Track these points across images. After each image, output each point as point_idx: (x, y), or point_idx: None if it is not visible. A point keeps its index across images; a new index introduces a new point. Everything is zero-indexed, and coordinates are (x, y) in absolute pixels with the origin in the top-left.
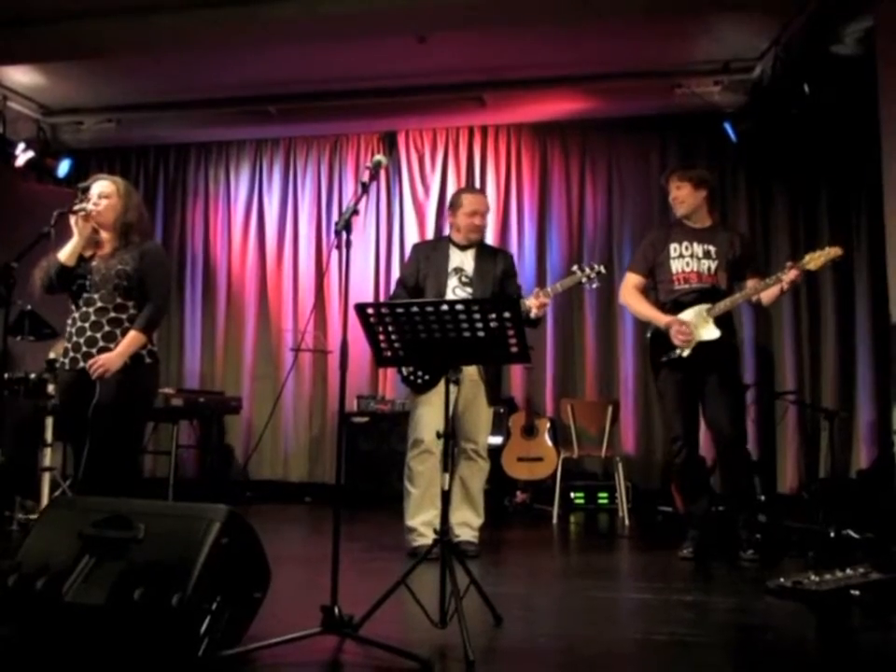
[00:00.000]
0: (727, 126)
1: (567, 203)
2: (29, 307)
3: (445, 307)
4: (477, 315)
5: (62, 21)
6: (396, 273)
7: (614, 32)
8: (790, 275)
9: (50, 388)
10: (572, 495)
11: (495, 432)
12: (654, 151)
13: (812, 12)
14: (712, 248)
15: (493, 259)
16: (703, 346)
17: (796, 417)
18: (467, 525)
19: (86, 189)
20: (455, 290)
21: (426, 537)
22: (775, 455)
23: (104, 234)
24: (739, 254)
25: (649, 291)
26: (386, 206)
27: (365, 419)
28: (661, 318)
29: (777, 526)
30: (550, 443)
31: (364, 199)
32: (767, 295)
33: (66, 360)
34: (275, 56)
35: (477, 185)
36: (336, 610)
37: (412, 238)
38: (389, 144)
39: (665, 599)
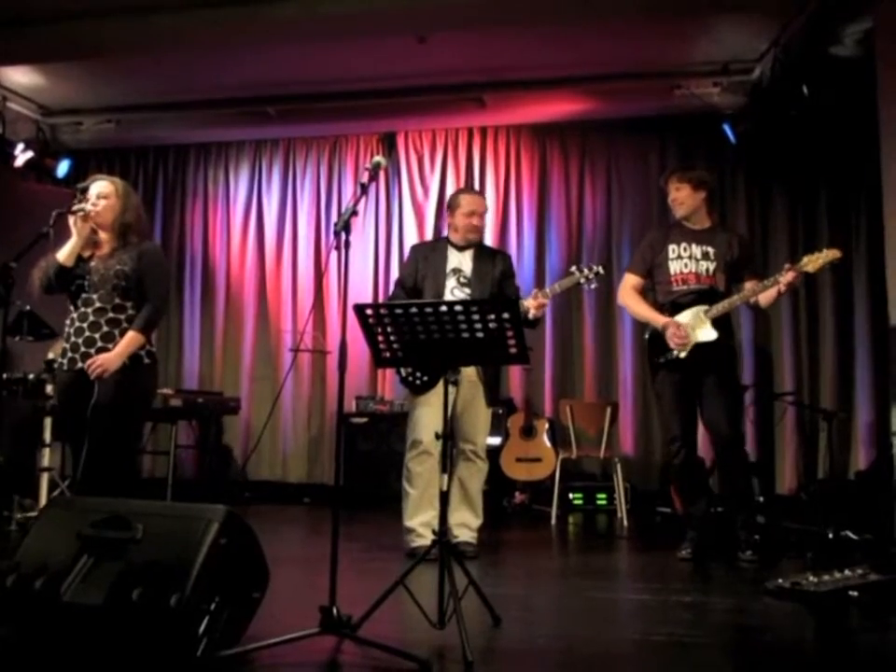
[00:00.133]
0: (726, 127)
1: (567, 203)
2: (28, 307)
3: (444, 308)
4: (476, 316)
5: (62, 20)
6: (395, 274)
7: (614, 33)
8: (787, 277)
9: (49, 389)
10: (571, 495)
11: (493, 433)
12: (654, 152)
13: (811, 13)
14: (711, 250)
15: (491, 260)
16: (700, 347)
17: (795, 418)
18: (465, 525)
19: (84, 190)
20: (454, 291)
21: (424, 537)
22: (773, 456)
23: (102, 235)
24: (738, 255)
25: (647, 292)
26: (386, 207)
27: (364, 420)
28: (658, 319)
29: (775, 527)
30: (548, 444)
31: (363, 200)
32: (765, 297)
33: (65, 361)
34: (275, 56)
35: (476, 186)
36: (334, 611)
37: (411, 239)
38: (389, 145)
39: (663, 600)
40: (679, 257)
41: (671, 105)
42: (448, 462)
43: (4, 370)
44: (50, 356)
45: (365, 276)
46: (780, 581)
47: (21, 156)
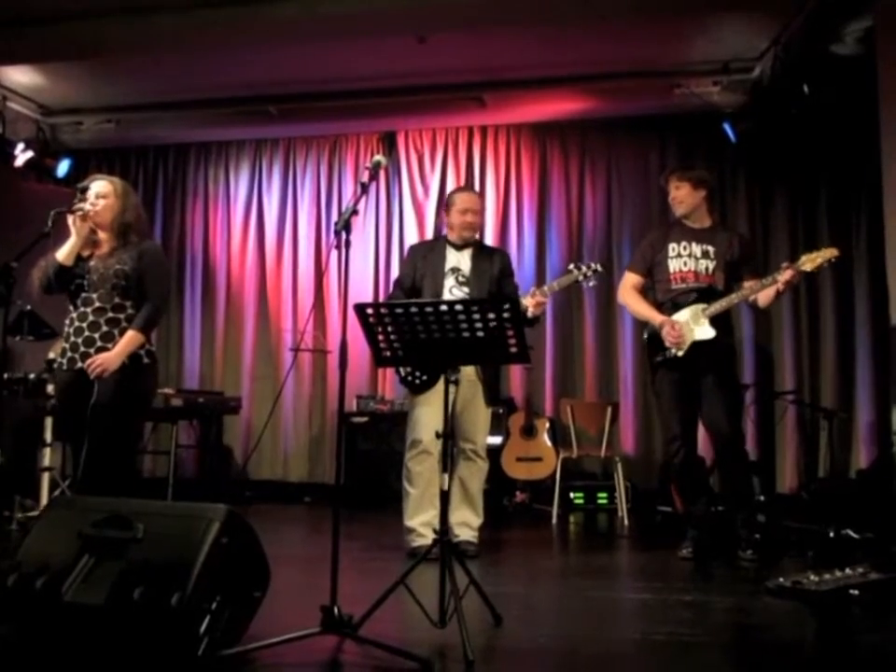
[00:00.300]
0: (726, 126)
1: (567, 202)
2: (28, 307)
3: (444, 307)
4: (476, 316)
5: (62, 21)
6: (395, 273)
7: (614, 32)
8: (785, 276)
9: (50, 388)
10: (571, 495)
11: (494, 432)
12: (654, 151)
13: (811, 12)
14: (711, 248)
15: (490, 259)
16: (698, 346)
17: (795, 417)
18: (466, 525)
19: (84, 189)
20: (452, 290)
21: (425, 537)
22: (774, 455)
23: (101, 234)
24: (738, 254)
25: (647, 291)
26: (386, 206)
27: (364, 419)
28: (655, 318)
29: (776, 526)
30: (549, 443)
31: (363, 199)
32: (764, 296)
33: (64, 360)
34: (275, 56)
35: (476, 185)
36: (335, 610)
37: (411, 238)
38: (389, 144)
39: (664, 599)
40: (679, 255)
41: (671, 104)
42: (448, 461)
43: (4, 369)
44: (51, 355)
45: (365, 275)
46: (781, 579)
47: (22, 156)
